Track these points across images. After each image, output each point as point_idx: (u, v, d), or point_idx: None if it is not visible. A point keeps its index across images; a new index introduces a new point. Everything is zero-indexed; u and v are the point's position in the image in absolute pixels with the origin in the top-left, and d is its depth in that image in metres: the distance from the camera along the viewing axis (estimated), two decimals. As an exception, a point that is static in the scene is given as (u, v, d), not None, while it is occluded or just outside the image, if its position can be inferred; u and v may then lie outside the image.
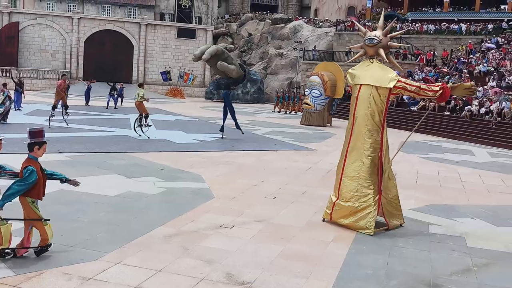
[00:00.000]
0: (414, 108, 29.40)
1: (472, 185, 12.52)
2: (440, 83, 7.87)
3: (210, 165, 12.77)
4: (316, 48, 46.83)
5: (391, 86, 7.86)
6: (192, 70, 47.26)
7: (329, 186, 11.10)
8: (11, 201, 5.68)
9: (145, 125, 17.69)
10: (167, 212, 8.21)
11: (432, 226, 8.45)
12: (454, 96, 22.65)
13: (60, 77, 23.24)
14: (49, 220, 5.96)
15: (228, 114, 18.80)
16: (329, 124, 27.48)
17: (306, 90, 28.24)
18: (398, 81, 7.85)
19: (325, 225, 8.11)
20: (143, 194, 9.38)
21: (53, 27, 46.44)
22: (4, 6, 45.75)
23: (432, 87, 7.86)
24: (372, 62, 8.19)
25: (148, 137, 17.14)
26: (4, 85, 20.96)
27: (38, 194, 5.89)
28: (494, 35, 41.33)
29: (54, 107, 19.65)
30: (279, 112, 35.73)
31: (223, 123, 18.82)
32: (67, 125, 18.98)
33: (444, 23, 47.32)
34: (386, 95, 7.98)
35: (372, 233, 7.67)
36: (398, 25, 48.09)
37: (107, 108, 28.51)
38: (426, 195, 10.91)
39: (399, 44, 8.64)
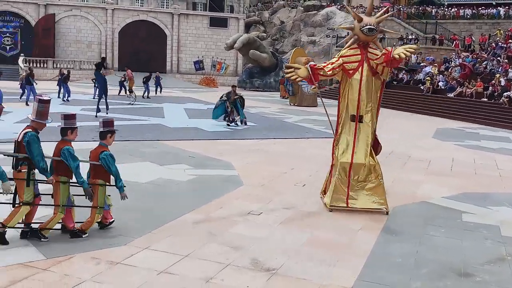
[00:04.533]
0: (451, 95, 28.69)
1: (509, 172, 12.15)
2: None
3: (241, 153, 12.79)
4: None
5: None
6: (225, 59, 47.33)
7: (360, 173, 11.01)
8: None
9: None
10: (196, 199, 8.28)
11: (465, 214, 8.25)
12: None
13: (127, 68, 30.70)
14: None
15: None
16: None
17: None
18: None
19: (353, 213, 8.02)
20: (173, 181, 9.48)
21: (88, 19, 47.21)
22: (41, -1, 46.76)
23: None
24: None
25: None
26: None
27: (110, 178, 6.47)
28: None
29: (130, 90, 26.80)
30: (284, 98, 34.98)
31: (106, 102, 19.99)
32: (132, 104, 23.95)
33: (482, 7, 45.92)
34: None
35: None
36: (433, 10, 47.02)
37: (143, 97, 28.77)
38: (460, 183, 10.65)
39: (388, 31, 8.74)
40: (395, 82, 34.48)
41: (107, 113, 18.90)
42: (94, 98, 26.75)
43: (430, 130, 20.31)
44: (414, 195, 9.37)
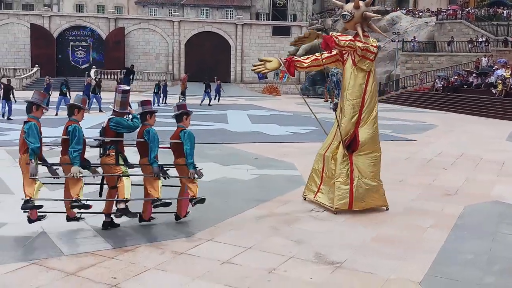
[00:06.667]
0: (526, 98, 27.26)
1: None
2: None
3: (303, 155, 12.66)
4: (416, 39, 45.01)
5: None
6: (288, 67, 47.45)
7: (429, 174, 10.64)
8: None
9: None
10: (259, 196, 8.27)
11: (544, 214, 7.74)
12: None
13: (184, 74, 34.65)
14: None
15: None
16: None
17: None
18: None
19: (424, 211, 7.72)
20: (237, 179, 9.54)
21: (155, 31, 48.79)
22: (111, 13, 48.92)
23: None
24: None
25: None
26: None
27: None
28: None
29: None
30: (327, 101, 34.71)
31: None
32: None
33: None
34: None
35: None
36: (505, 11, 45.01)
37: (200, 105, 29.15)
38: (538, 184, 10.03)
39: (375, 15, 8.16)
40: (465, 86, 33.21)
41: None
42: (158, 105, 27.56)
43: (504, 133, 19.35)
44: (487, 194, 8.92)
